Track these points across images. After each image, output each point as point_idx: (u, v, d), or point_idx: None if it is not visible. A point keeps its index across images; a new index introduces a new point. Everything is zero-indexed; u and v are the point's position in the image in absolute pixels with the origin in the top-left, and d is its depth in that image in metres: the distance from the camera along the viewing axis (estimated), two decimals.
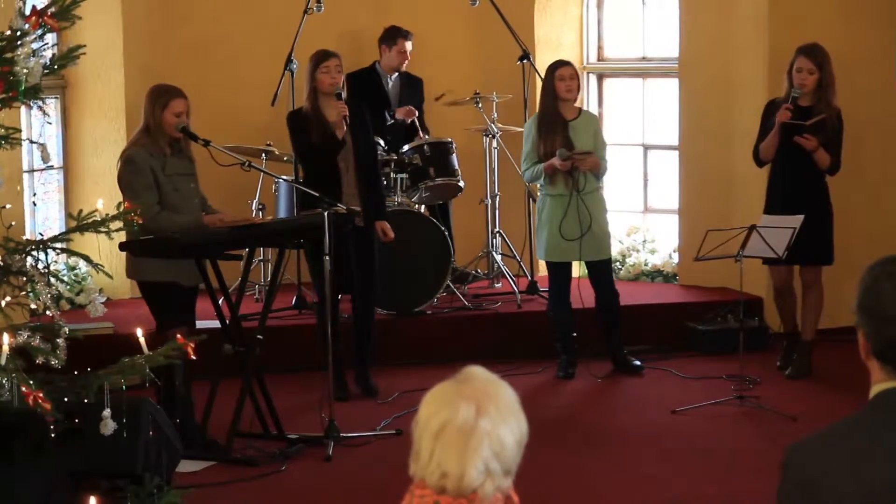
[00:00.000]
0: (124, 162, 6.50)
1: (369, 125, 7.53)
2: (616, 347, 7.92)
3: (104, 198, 5.53)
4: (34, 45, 4.56)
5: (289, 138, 7.49)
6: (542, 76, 8.63)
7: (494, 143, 9.00)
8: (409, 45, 9.06)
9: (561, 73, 7.67)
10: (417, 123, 8.99)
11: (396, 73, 9.15)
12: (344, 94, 7.31)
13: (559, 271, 7.84)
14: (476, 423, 2.43)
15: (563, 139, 7.61)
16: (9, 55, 4.51)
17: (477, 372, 2.53)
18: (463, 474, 2.42)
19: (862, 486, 2.34)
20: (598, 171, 7.74)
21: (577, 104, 7.89)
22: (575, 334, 7.85)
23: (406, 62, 9.10)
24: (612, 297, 7.87)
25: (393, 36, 9.04)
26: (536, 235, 7.93)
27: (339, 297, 7.46)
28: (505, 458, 2.46)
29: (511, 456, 2.47)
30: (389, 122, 8.91)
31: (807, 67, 7.49)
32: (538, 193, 7.92)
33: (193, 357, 5.00)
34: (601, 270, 7.86)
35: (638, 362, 7.93)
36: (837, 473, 2.36)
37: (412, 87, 9.21)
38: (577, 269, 8.07)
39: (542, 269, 9.41)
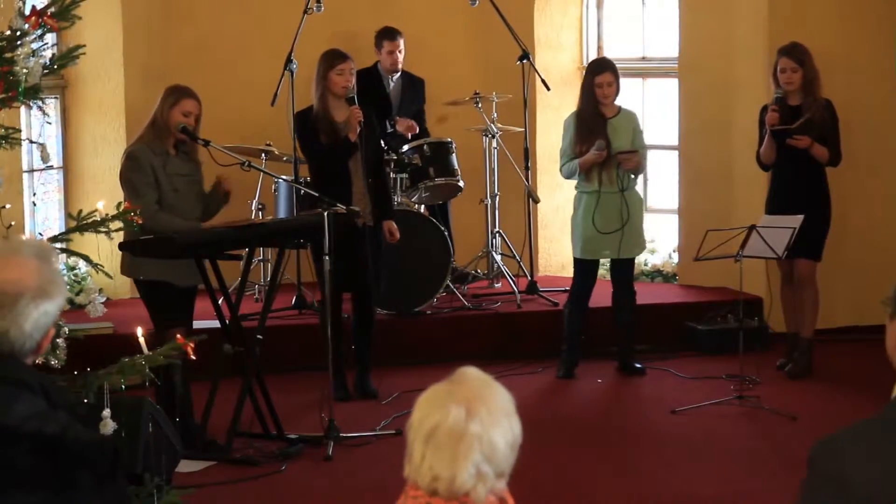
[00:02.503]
0: (126, 157, 6.51)
1: (376, 126, 7.54)
2: (626, 347, 7.91)
3: (104, 197, 5.53)
4: (34, 45, 4.56)
5: (295, 138, 7.48)
6: (542, 76, 8.67)
7: (494, 143, 9.00)
8: (399, 44, 9.04)
9: (600, 81, 7.64)
10: (418, 130, 9.00)
11: (398, 74, 9.15)
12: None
13: (587, 270, 7.84)
14: (466, 426, 2.42)
15: (601, 138, 7.60)
16: (9, 55, 4.51)
17: (470, 373, 2.52)
18: (454, 477, 2.42)
19: (891, 482, 2.34)
20: (638, 170, 7.74)
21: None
22: (583, 336, 7.85)
23: (398, 61, 9.07)
24: (632, 296, 7.88)
25: (380, 38, 9.07)
26: (571, 232, 7.92)
27: (343, 295, 7.47)
28: (497, 460, 2.44)
29: (503, 458, 2.46)
30: (389, 131, 8.90)
31: (790, 67, 7.59)
32: (574, 191, 7.90)
33: (193, 357, 5.00)
34: (624, 269, 7.86)
35: (639, 365, 7.93)
36: (865, 469, 2.36)
37: (414, 88, 9.20)
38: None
39: (542, 269, 9.43)
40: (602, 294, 7.99)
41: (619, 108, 7.82)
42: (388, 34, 9.06)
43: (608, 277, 8.06)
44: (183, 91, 6.55)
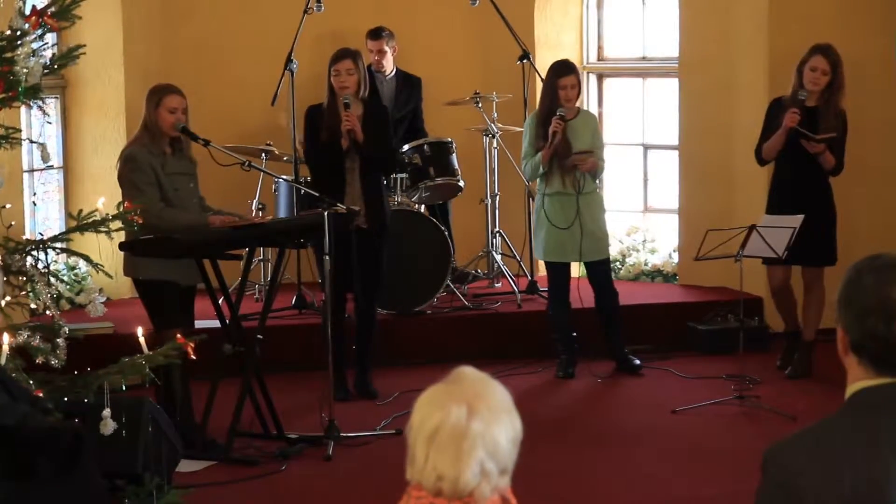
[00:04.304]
0: (125, 160, 6.50)
1: (387, 124, 7.46)
2: (617, 347, 7.92)
3: (104, 197, 5.53)
4: (34, 45, 4.57)
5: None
6: (542, 76, 8.65)
7: (494, 143, 9.00)
8: (381, 44, 8.99)
9: (563, 83, 7.62)
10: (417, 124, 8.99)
11: (392, 73, 9.14)
12: (364, 94, 7.26)
13: (557, 271, 7.85)
14: (468, 424, 2.42)
15: (562, 138, 7.60)
16: (9, 55, 4.52)
17: (467, 372, 2.52)
18: (458, 477, 2.42)
19: (841, 487, 2.35)
20: (596, 171, 7.75)
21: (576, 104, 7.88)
22: (574, 334, 7.86)
23: (379, 62, 9.03)
24: (611, 297, 7.88)
25: (365, 39, 9.05)
26: (534, 235, 7.94)
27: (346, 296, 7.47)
28: (500, 457, 2.45)
29: (506, 455, 2.46)
30: None
31: (822, 67, 7.42)
32: (536, 193, 7.92)
33: (193, 357, 5.01)
34: (599, 271, 7.86)
35: (637, 361, 7.94)
36: (816, 474, 2.37)
37: (409, 87, 9.19)
38: (577, 270, 8.07)
39: (542, 269, 9.42)
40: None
41: (579, 110, 7.83)
42: (371, 34, 9.04)
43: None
44: (164, 89, 6.55)
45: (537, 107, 7.86)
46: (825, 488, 2.35)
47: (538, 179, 7.79)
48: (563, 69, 7.74)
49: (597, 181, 7.86)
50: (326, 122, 7.24)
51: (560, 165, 7.64)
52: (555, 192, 7.70)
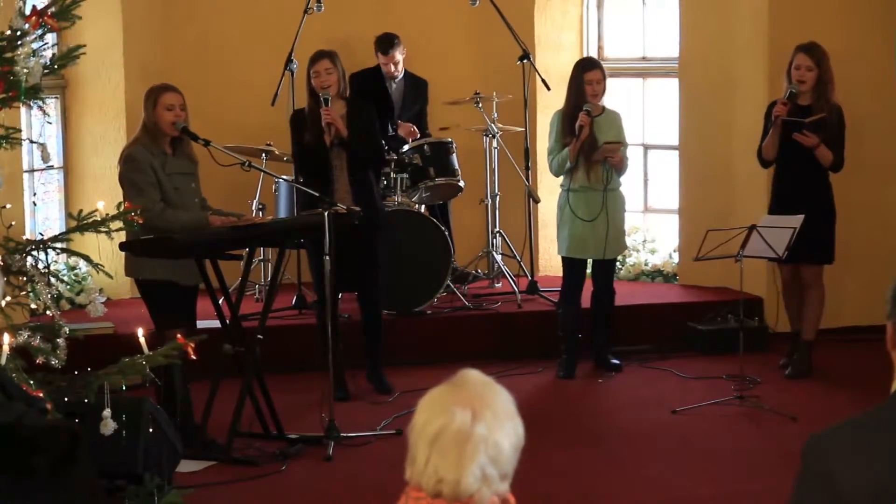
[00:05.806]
0: (125, 160, 6.50)
1: (372, 121, 7.45)
2: (602, 345, 7.92)
3: (104, 197, 5.53)
4: (34, 45, 4.57)
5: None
6: (542, 76, 8.67)
7: (494, 143, 9.00)
8: (394, 56, 8.94)
9: (589, 78, 7.63)
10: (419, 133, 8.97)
11: (401, 76, 9.14)
12: (345, 92, 7.29)
13: (575, 269, 7.84)
14: (472, 429, 2.42)
15: (588, 133, 7.60)
16: (9, 55, 4.52)
17: (472, 376, 2.51)
18: (459, 480, 2.42)
19: (879, 480, 2.34)
20: (622, 168, 7.75)
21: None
22: (580, 335, 7.85)
23: (392, 71, 9.01)
24: (611, 296, 7.88)
25: (376, 49, 9.01)
26: (558, 231, 7.91)
27: (339, 295, 7.46)
28: (501, 463, 2.45)
29: (507, 460, 2.46)
30: (391, 134, 8.88)
31: (805, 64, 7.50)
32: (560, 189, 7.89)
33: (193, 357, 5.01)
34: (605, 269, 7.87)
35: (616, 361, 7.93)
36: (856, 466, 2.36)
37: (416, 90, 9.19)
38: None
39: (543, 269, 9.43)
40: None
41: (604, 108, 7.83)
42: (381, 47, 8.97)
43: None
44: (160, 88, 6.57)
45: (563, 103, 7.83)
46: (863, 480, 2.35)
47: (562, 176, 7.78)
48: (588, 64, 7.78)
49: (620, 179, 7.86)
50: (309, 123, 7.25)
51: (586, 160, 7.64)
52: (580, 187, 7.69)
